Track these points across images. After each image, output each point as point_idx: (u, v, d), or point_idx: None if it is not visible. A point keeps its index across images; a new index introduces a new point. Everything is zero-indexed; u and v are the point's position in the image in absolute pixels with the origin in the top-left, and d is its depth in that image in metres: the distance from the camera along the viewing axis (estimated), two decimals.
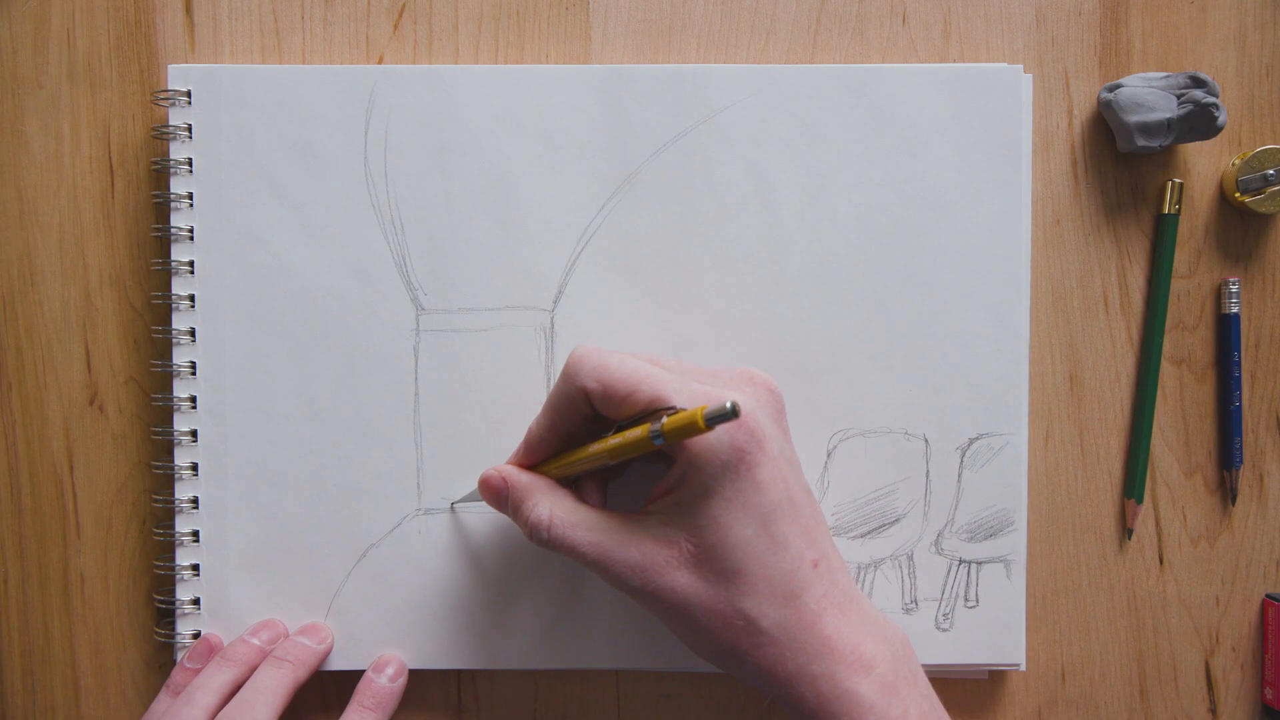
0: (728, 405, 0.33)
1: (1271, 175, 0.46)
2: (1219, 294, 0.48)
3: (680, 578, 0.37)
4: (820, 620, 0.37)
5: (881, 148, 0.45)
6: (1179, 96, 0.45)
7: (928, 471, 0.46)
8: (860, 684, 0.37)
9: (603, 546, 0.38)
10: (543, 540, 0.39)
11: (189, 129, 0.45)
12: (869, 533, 0.46)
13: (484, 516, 0.46)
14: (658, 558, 0.37)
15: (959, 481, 0.46)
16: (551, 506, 0.39)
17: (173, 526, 0.46)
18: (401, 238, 0.45)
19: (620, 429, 0.38)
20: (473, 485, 0.45)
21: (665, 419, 0.35)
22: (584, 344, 0.39)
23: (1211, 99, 0.45)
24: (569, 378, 0.39)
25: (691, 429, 0.34)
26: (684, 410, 0.35)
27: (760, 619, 0.37)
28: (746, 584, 0.37)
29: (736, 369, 0.40)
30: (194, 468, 0.45)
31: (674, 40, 0.47)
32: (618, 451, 0.37)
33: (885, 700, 0.37)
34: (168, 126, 0.45)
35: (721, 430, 0.36)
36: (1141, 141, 0.45)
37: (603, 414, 0.39)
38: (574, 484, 0.41)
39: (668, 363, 0.40)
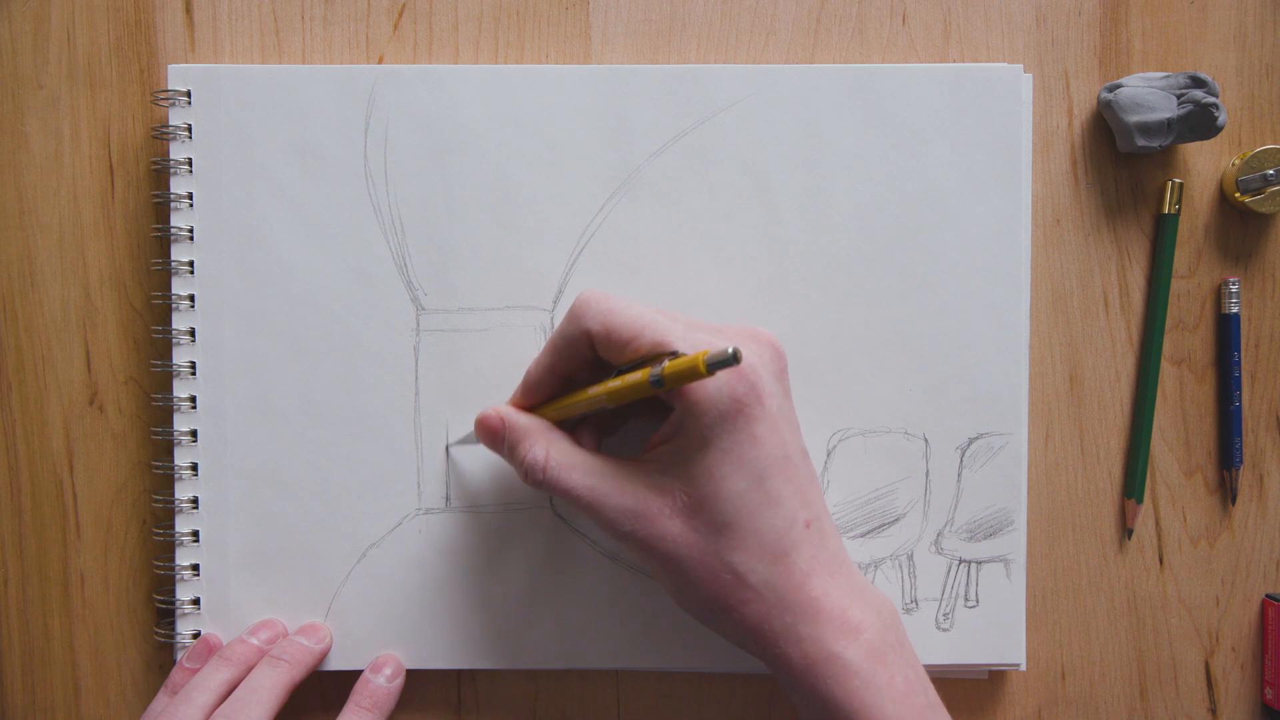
0: (729, 351, 0.33)
1: (1271, 175, 0.46)
2: (1219, 294, 0.48)
3: (672, 526, 0.37)
4: (809, 581, 0.37)
5: (881, 148, 0.45)
6: (1179, 96, 0.45)
7: (927, 471, 0.46)
8: (847, 648, 0.37)
9: (597, 490, 0.38)
10: (537, 481, 0.39)
11: (189, 129, 0.45)
12: (869, 532, 0.46)
13: (483, 516, 0.46)
14: (651, 505, 0.37)
15: (959, 481, 0.46)
16: (548, 448, 0.39)
17: (173, 526, 0.46)
18: (401, 238, 0.45)
19: (620, 373, 0.38)
20: (471, 478, 0.45)
21: (666, 363, 0.35)
22: (591, 288, 0.39)
23: (1211, 99, 0.45)
24: (574, 319, 0.39)
25: (692, 374, 0.34)
26: (685, 355, 0.35)
27: (748, 574, 0.37)
28: (737, 538, 0.37)
29: (742, 326, 0.39)
30: (194, 468, 0.45)
31: (674, 40, 0.47)
32: (617, 395, 0.37)
33: (871, 666, 0.37)
34: (168, 126, 0.45)
35: (721, 382, 0.36)
36: (1141, 141, 0.45)
37: (604, 358, 0.39)
38: (572, 430, 0.41)
39: (673, 315, 0.39)
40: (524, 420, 0.40)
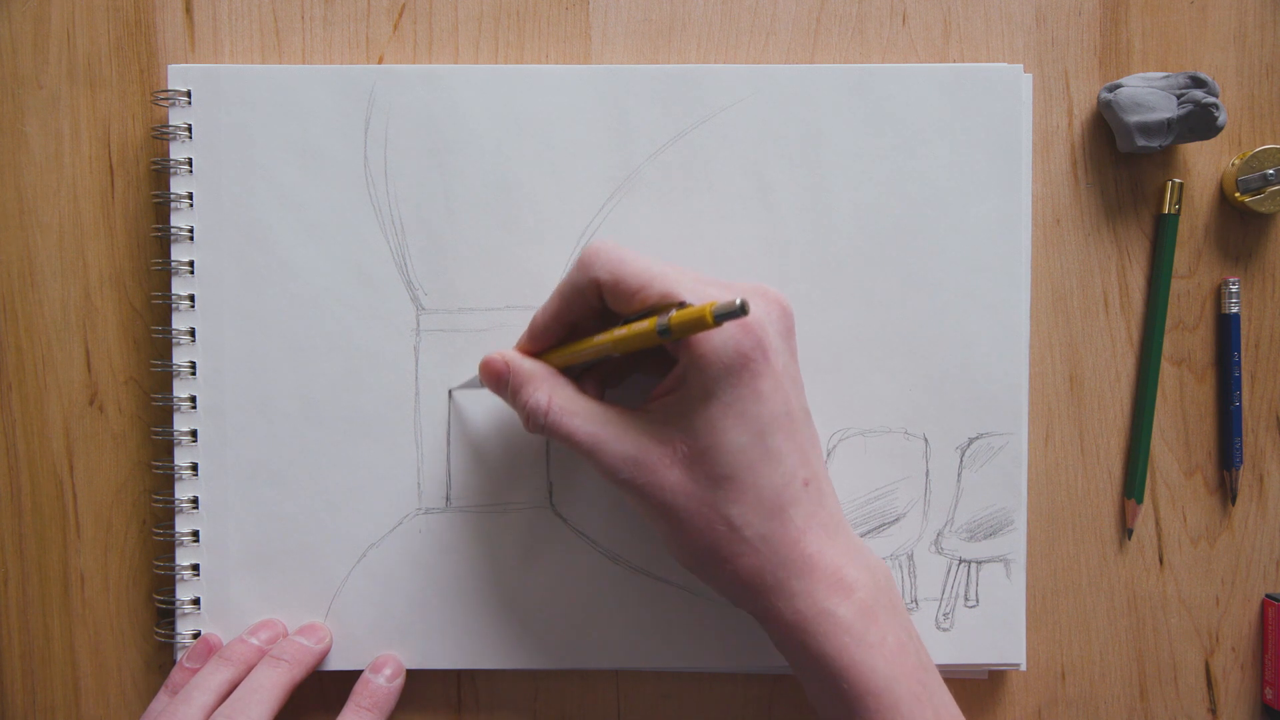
0: (737, 302, 0.33)
1: (1271, 175, 0.46)
2: (1219, 294, 0.48)
3: (671, 476, 0.37)
4: (804, 538, 0.37)
5: (881, 148, 0.45)
6: (1179, 96, 0.45)
7: (927, 471, 0.46)
8: (839, 605, 0.37)
9: (598, 437, 0.38)
10: (539, 425, 0.39)
11: (189, 129, 0.45)
12: (869, 532, 0.46)
13: (483, 516, 0.46)
14: (651, 454, 0.37)
15: (959, 481, 0.46)
16: (551, 393, 0.39)
17: (173, 526, 0.46)
18: (401, 238, 0.45)
19: (627, 323, 0.38)
20: (471, 478, 0.45)
21: (674, 312, 0.35)
22: (601, 237, 0.39)
23: (1211, 99, 0.45)
24: (583, 267, 0.39)
25: (699, 324, 0.34)
26: (693, 305, 0.35)
27: (744, 528, 0.37)
28: (735, 491, 0.37)
29: (750, 283, 0.39)
30: (194, 468, 0.45)
31: (674, 40, 0.47)
32: (623, 343, 0.37)
33: (863, 624, 0.37)
34: (168, 126, 0.45)
35: (727, 335, 0.36)
36: (1141, 141, 0.45)
37: (612, 308, 0.39)
38: (576, 379, 0.41)
39: (682, 268, 0.39)
40: (528, 365, 0.40)
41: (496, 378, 0.41)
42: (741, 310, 0.33)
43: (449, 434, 0.46)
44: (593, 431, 0.38)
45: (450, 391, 0.45)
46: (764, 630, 0.39)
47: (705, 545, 0.37)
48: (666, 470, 0.37)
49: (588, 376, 0.42)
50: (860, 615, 0.37)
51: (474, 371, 0.45)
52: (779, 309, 0.38)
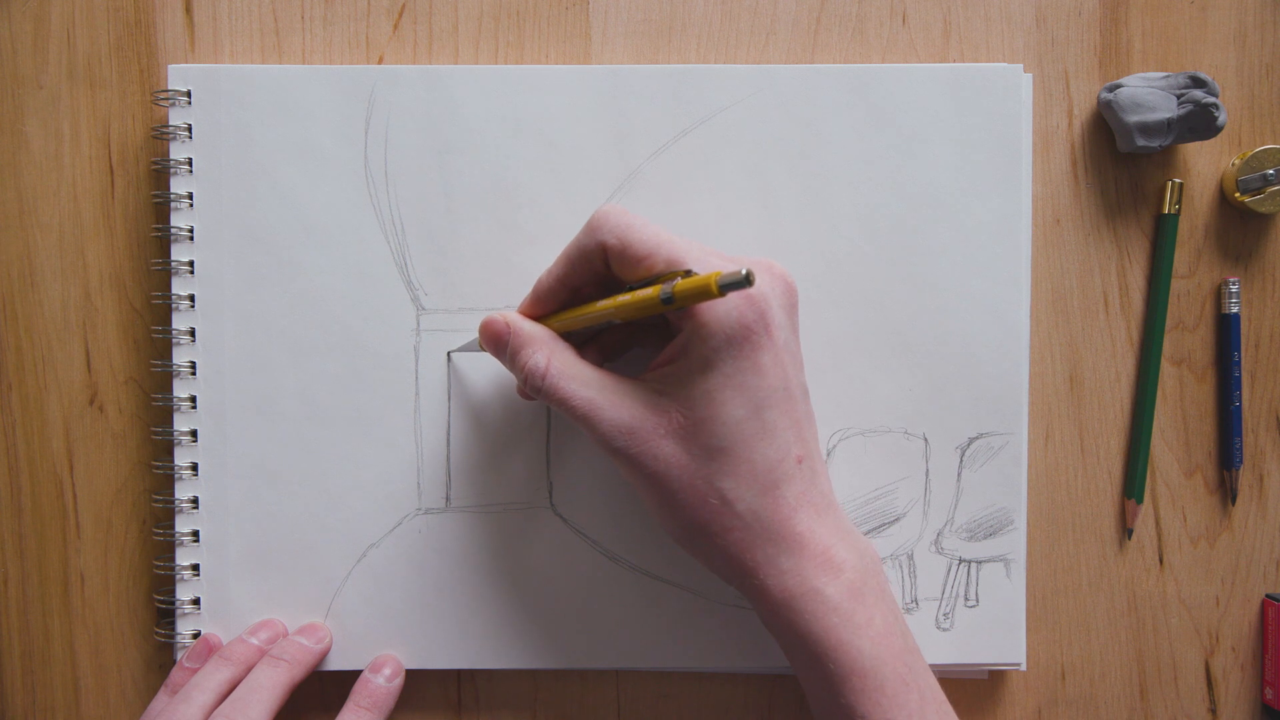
0: (743, 272, 0.33)
1: (1271, 175, 0.46)
2: (1219, 294, 0.48)
3: (665, 447, 0.37)
4: (795, 515, 0.37)
5: (881, 148, 0.45)
6: (1179, 96, 0.45)
7: (927, 471, 0.46)
8: (827, 584, 0.37)
9: (594, 403, 0.38)
10: (537, 387, 0.39)
11: (189, 129, 0.45)
12: (869, 532, 0.46)
13: (483, 516, 0.46)
14: (646, 424, 0.37)
15: (958, 481, 0.46)
16: (550, 356, 0.39)
17: (173, 526, 0.46)
18: (401, 238, 0.45)
19: (631, 290, 0.37)
20: (471, 478, 0.45)
21: (678, 280, 0.35)
22: (610, 203, 0.39)
23: (1211, 99, 0.45)
24: (590, 231, 0.39)
25: (704, 293, 0.34)
26: (699, 274, 0.35)
27: (736, 502, 0.37)
28: (729, 464, 0.37)
29: (756, 258, 0.39)
30: (194, 468, 0.45)
31: (674, 40, 0.47)
32: (626, 309, 0.37)
33: (851, 604, 0.37)
34: (168, 126, 0.45)
35: (730, 306, 0.36)
36: (1141, 141, 0.45)
37: (617, 274, 0.39)
38: (577, 347, 0.41)
39: (689, 239, 0.39)
40: (529, 327, 0.40)
41: (496, 338, 0.41)
42: (746, 281, 0.33)
43: (449, 434, 0.46)
44: (589, 397, 0.38)
45: (449, 354, 0.45)
46: (752, 607, 0.39)
47: (696, 518, 0.37)
48: (661, 440, 0.37)
49: (589, 347, 0.42)
50: (848, 595, 0.37)
51: (473, 378, 0.45)
52: (783, 284, 0.38)
